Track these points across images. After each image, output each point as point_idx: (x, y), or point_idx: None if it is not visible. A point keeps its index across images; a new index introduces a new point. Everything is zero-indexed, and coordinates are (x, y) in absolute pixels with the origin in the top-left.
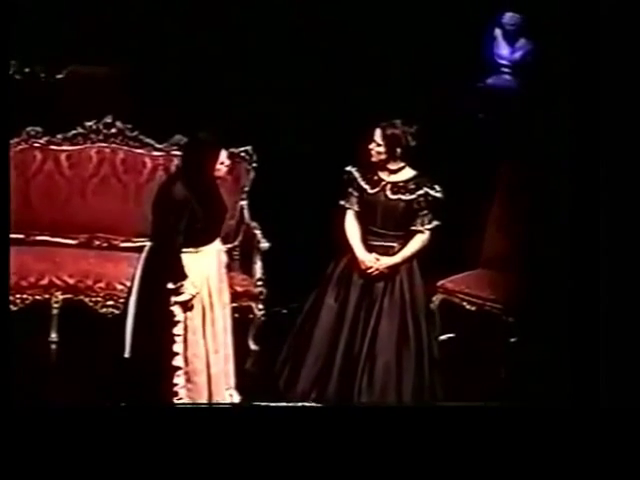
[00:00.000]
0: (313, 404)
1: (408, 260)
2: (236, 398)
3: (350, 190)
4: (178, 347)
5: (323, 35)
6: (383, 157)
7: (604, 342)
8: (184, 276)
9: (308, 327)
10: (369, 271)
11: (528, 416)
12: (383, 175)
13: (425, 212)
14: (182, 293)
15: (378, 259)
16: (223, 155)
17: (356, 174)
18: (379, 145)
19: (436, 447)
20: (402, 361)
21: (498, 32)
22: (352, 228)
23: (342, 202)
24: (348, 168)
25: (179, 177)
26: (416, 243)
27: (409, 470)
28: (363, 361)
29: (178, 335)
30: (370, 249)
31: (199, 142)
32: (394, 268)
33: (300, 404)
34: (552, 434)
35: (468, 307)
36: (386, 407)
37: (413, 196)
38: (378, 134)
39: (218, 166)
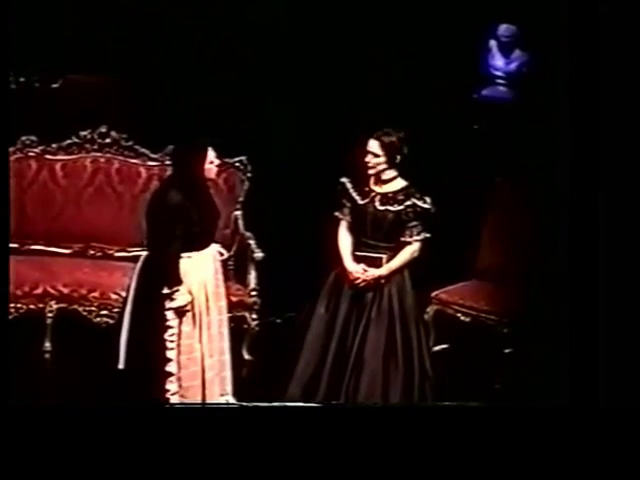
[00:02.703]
0: (305, 404)
1: (396, 271)
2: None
3: (343, 201)
4: (171, 353)
5: (318, 46)
6: (382, 167)
7: (603, 342)
8: (179, 282)
9: (299, 337)
10: (357, 282)
11: (527, 416)
12: (374, 186)
13: (414, 223)
14: (176, 299)
15: (366, 270)
16: (211, 155)
17: (348, 185)
18: (377, 156)
19: (435, 447)
20: (389, 370)
21: (493, 43)
22: (344, 239)
23: (336, 213)
24: (342, 179)
25: (171, 183)
26: (405, 254)
27: (409, 471)
28: (350, 370)
29: (172, 341)
30: (359, 260)
31: (185, 145)
32: (381, 279)
33: (292, 404)
34: (551, 434)
35: (462, 318)
36: (385, 407)
37: (401, 207)
38: (376, 145)
39: (207, 166)
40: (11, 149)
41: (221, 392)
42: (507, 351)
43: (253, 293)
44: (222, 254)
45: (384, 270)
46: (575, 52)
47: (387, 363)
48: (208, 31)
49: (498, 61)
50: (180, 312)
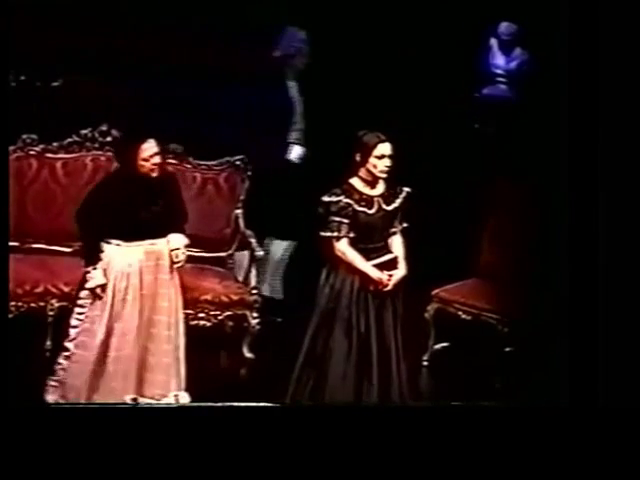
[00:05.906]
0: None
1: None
2: (184, 400)
3: (338, 219)
4: (73, 332)
5: (319, 47)
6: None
7: (602, 342)
8: (94, 262)
9: (323, 352)
10: (386, 289)
11: (527, 415)
12: (368, 190)
13: (402, 211)
14: (90, 280)
15: (391, 275)
16: (149, 151)
17: (348, 200)
18: (391, 157)
19: (435, 447)
20: (400, 370)
21: (494, 42)
22: (351, 253)
23: (330, 234)
24: (329, 198)
25: (113, 173)
26: (400, 245)
27: (408, 470)
28: (395, 373)
29: (79, 320)
30: (379, 267)
31: (123, 138)
32: (404, 279)
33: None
34: (551, 434)
35: (463, 317)
36: (385, 407)
37: (400, 200)
38: (389, 147)
39: (141, 162)
40: (12, 148)
41: (174, 391)
42: (507, 350)
43: (254, 291)
44: (177, 262)
45: (403, 268)
46: (575, 51)
47: (399, 363)
48: (210, 30)
49: (499, 60)
50: (93, 293)
